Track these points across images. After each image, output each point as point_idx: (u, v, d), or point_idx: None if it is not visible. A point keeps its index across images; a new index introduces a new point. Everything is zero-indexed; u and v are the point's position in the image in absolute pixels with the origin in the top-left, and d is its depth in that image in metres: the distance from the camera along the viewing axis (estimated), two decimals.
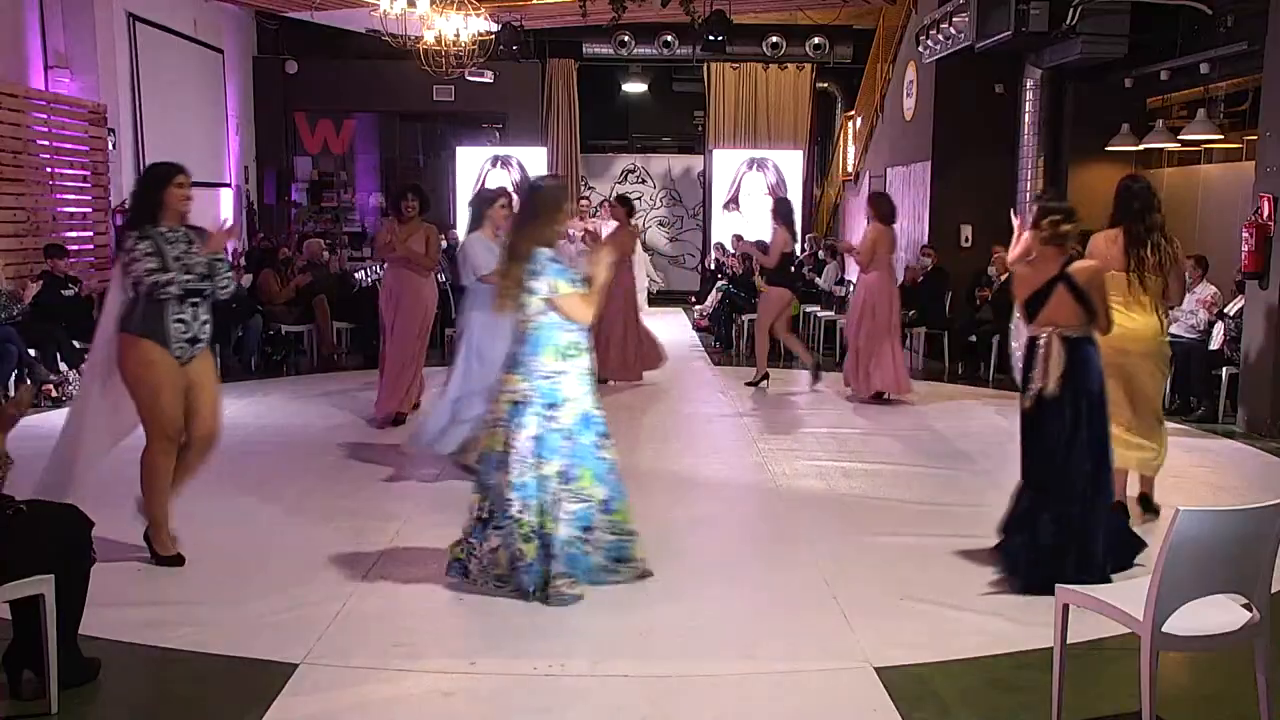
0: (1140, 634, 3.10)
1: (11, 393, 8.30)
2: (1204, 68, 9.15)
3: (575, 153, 17.22)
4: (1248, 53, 8.40)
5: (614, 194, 15.63)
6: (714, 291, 13.70)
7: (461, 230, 14.19)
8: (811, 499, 6.18)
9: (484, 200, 6.45)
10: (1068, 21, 9.47)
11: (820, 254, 14.19)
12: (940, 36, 10.95)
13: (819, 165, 18.73)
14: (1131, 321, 5.35)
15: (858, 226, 13.42)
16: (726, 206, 17.06)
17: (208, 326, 4.80)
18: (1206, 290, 8.57)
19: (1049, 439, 4.65)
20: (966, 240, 11.85)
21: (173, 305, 4.63)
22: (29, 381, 8.49)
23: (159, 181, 4.72)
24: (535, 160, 16.37)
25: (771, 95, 17.41)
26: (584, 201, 13.99)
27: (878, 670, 3.83)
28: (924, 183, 12.34)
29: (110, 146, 11.33)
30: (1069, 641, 3.39)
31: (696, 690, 3.73)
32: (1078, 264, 4.72)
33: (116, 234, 5.61)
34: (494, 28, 13.17)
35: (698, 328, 14.07)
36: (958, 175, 11.79)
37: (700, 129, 17.92)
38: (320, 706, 3.56)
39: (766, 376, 9.77)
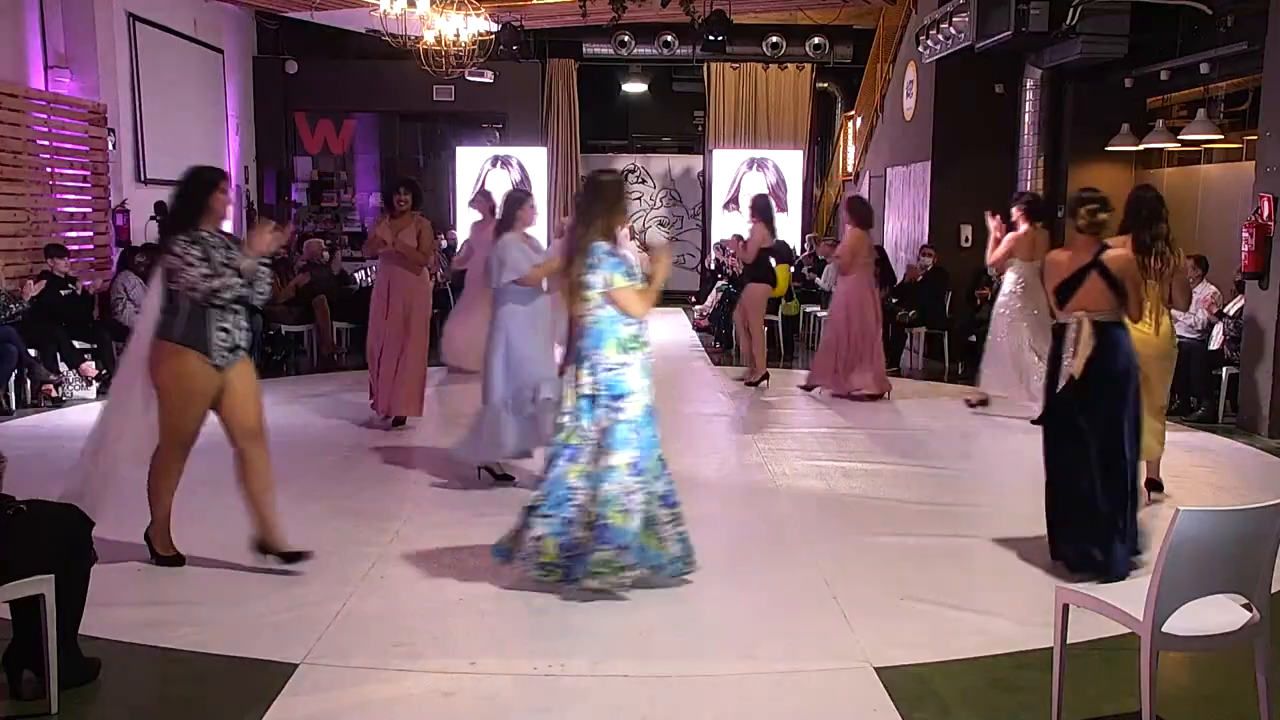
0: (1140, 634, 3.10)
1: (11, 393, 8.31)
2: (1204, 68, 9.16)
3: (575, 153, 17.23)
4: (1248, 53, 8.41)
5: None
6: (714, 291, 13.70)
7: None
8: (811, 499, 6.19)
9: (514, 201, 6.31)
10: (1068, 21, 9.48)
11: (820, 254, 14.16)
12: (940, 36, 10.96)
13: (819, 165, 18.74)
14: (1146, 325, 5.42)
15: None
16: (726, 206, 17.02)
17: (246, 334, 4.70)
18: (1206, 290, 8.56)
19: (1072, 427, 4.71)
20: (966, 240, 11.84)
21: (216, 313, 4.54)
22: (61, 365, 8.42)
23: (207, 186, 4.64)
24: (535, 160, 16.37)
25: (771, 95, 17.41)
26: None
27: (878, 670, 3.83)
28: (924, 183, 12.33)
29: (110, 146, 11.33)
30: (1069, 641, 3.39)
31: (696, 690, 3.74)
32: (1112, 252, 4.80)
33: (160, 233, 5.45)
34: (494, 28, 13.17)
35: (698, 328, 14.08)
36: (958, 175, 11.79)
37: (700, 129, 17.92)
38: (320, 706, 3.56)
39: (766, 376, 9.78)
